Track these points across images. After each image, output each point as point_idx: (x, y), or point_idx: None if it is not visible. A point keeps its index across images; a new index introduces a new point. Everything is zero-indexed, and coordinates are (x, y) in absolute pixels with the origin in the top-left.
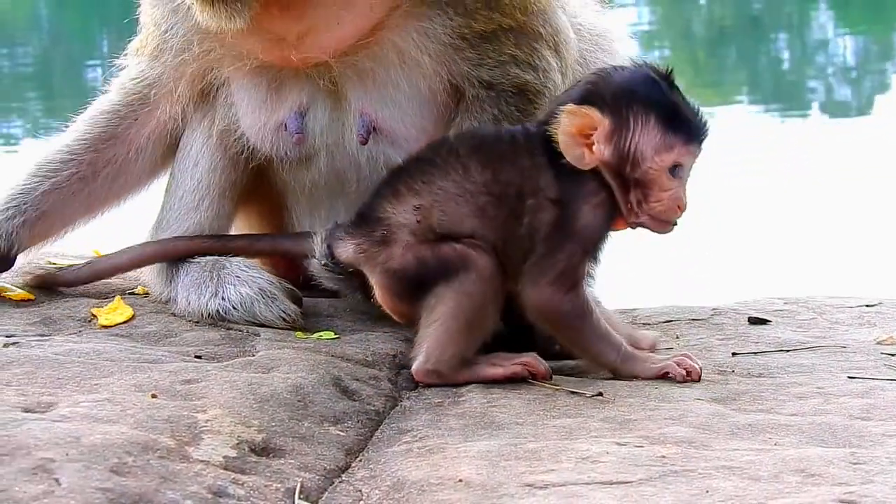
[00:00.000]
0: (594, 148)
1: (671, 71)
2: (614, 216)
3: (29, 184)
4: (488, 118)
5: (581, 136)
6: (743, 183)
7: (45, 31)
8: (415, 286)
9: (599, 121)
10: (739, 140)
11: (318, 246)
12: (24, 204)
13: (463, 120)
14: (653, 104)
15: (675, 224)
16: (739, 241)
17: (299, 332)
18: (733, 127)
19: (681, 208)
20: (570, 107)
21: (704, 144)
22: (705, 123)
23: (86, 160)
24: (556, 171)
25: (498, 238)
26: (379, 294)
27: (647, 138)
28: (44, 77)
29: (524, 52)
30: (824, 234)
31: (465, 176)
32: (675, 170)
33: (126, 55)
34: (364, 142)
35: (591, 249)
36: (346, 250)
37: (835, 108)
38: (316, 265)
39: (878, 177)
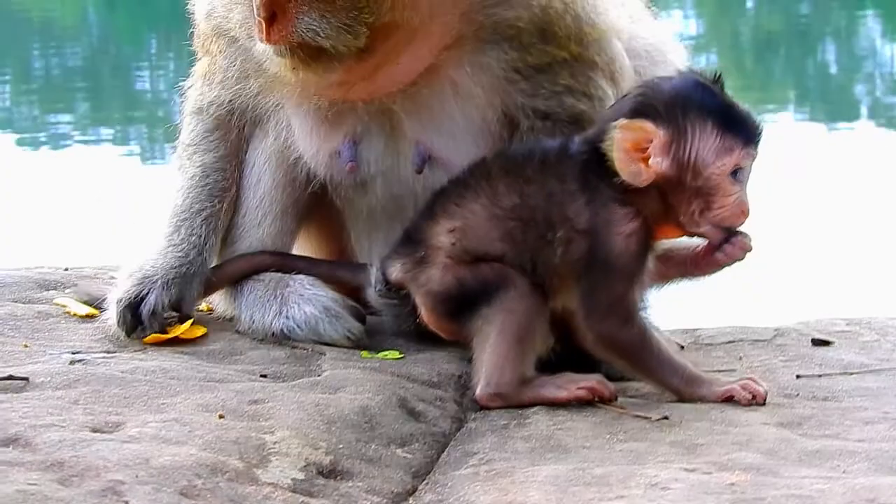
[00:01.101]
0: (651, 161)
1: (720, 75)
2: (650, 240)
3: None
4: None
5: (636, 150)
6: (801, 198)
7: (93, 34)
8: (457, 305)
9: (654, 132)
10: (789, 150)
11: (373, 275)
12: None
13: None
14: (708, 109)
15: (742, 234)
16: (800, 259)
17: (364, 352)
18: (781, 136)
19: (745, 213)
20: (623, 121)
21: (760, 148)
22: (759, 124)
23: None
24: (588, 199)
25: (527, 261)
26: (424, 314)
27: (706, 144)
28: (92, 79)
29: (579, 83)
30: (885, 251)
31: (493, 200)
32: (737, 173)
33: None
34: (420, 171)
35: (633, 276)
36: (395, 270)
37: (883, 117)
38: (372, 294)
39: None
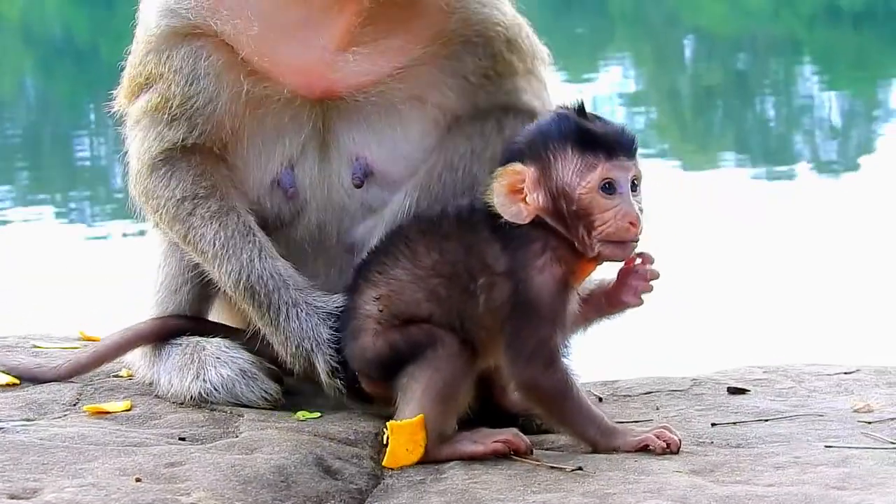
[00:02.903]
0: (528, 199)
1: (582, 102)
2: (568, 272)
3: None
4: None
5: (514, 193)
6: (724, 248)
7: (31, 101)
8: (391, 369)
9: (524, 171)
10: (725, 201)
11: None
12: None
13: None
14: (564, 134)
15: (636, 244)
16: (719, 309)
17: (282, 412)
18: (720, 187)
19: (633, 224)
20: (498, 170)
21: (639, 157)
22: (628, 136)
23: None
24: (502, 244)
25: (455, 318)
26: (363, 382)
27: (568, 167)
28: (31, 147)
29: (533, 88)
30: (805, 301)
31: (414, 261)
32: (608, 187)
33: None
34: (360, 185)
35: (556, 316)
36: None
37: (821, 167)
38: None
39: (861, 240)
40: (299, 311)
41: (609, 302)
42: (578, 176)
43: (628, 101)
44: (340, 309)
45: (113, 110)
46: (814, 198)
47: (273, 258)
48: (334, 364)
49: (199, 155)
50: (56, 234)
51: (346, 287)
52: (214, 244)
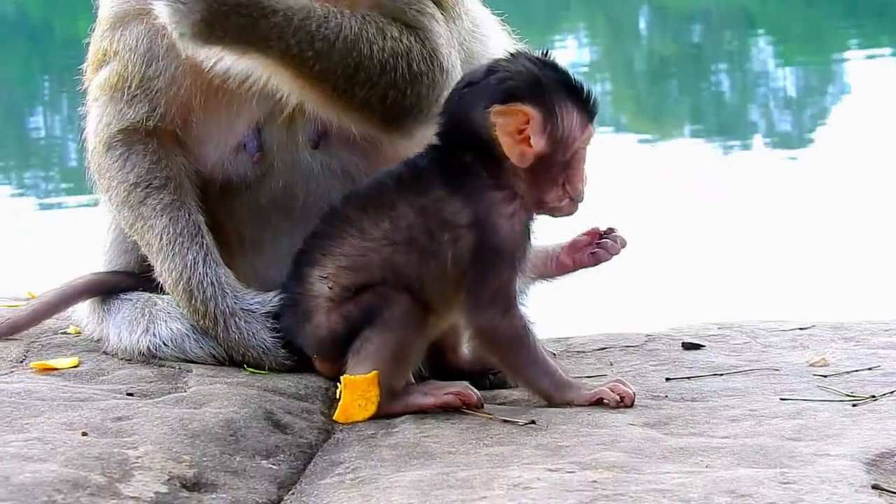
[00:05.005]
0: (532, 142)
1: (547, 51)
2: (530, 222)
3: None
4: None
5: (517, 133)
6: (681, 211)
7: None
8: (346, 343)
9: (532, 114)
10: (681, 171)
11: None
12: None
13: None
14: (565, 88)
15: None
16: (676, 269)
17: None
18: (675, 159)
19: (586, 181)
20: (500, 108)
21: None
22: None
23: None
24: (462, 197)
25: (414, 279)
26: (318, 364)
27: (572, 119)
28: None
29: None
30: (761, 262)
31: (362, 236)
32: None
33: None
34: (315, 146)
35: (518, 261)
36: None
37: (776, 139)
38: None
39: (814, 207)
40: (237, 319)
41: (562, 264)
42: (580, 129)
43: (583, 74)
44: (282, 303)
45: (84, 85)
46: (768, 168)
47: (217, 264)
48: (288, 363)
49: (157, 139)
50: (9, 207)
51: (286, 279)
52: (162, 238)
